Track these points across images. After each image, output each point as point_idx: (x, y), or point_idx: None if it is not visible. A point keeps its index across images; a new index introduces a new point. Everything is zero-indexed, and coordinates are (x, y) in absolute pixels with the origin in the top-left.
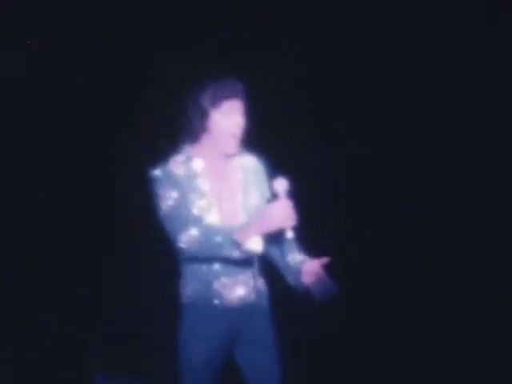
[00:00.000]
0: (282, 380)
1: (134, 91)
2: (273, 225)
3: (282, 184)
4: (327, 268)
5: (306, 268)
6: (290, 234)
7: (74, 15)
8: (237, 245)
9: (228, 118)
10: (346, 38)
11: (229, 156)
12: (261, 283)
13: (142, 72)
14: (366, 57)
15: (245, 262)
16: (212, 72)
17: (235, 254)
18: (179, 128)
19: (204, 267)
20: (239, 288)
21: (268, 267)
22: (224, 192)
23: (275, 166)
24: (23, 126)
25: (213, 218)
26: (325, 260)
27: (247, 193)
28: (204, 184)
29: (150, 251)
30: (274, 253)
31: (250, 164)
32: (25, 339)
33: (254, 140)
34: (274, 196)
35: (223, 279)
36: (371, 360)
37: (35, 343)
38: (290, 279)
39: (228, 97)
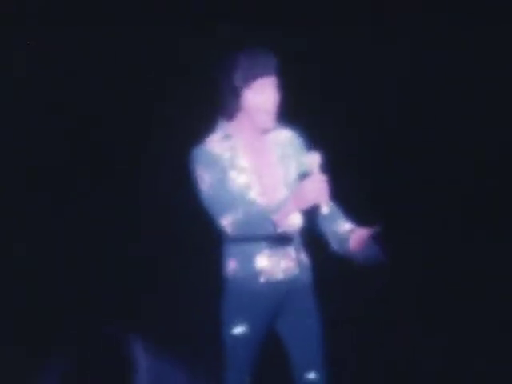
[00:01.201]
0: (323, 353)
1: (169, 72)
2: (307, 201)
3: (314, 159)
4: (376, 237)
5: (355, 235)
6: (325, 209)
7: (74, 15)
8: (276, 225)
9: (261, 95)
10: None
11: (265, 131)
12: (304, 256)
13: (177, 52)
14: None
15: (286, 237)
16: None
17: (276, 232)
18: (215, 106)
19: (246, 243)
20: (282, 262)
21: (311, 240)
22: (263, 167)
23: (311, 139)
24: (23, 126)
25: (253, 195)
26: (374, 229)
27: (286, 167)
28: (243, 161)
29: (193, 229)
30: (320, 221)
31: (287, 138)
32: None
33: (290, 114)
34: (307, 171)
35: (266, 254)
36: (411, 333)
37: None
38: (336, 246)
39: (260, 73)
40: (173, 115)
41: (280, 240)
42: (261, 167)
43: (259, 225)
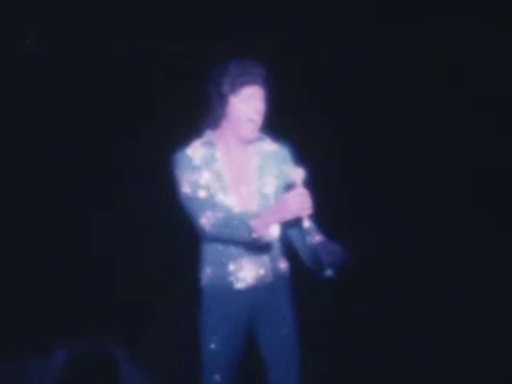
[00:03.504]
0: (299, 362)
1: (158, 76)
2: (289, 213)
3: (298, 173)
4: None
5: (322, 245)
6: (306, 223)
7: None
8: (253, 230)
9: (247, 104)
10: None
11: (248, 141)
12: (280, 265)
13: (166, 57)
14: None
15: (262, 245)
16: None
17: (251, 238)
18: (201, 113)
19: (220, 249)
20: (255, 269)
21: (289, 250)
22: (240, 177)
23: (299, 153)
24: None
25: (229, 202)
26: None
27: (264, 178)
28: (221, 168)
29: (171, 235)
30: (293, 234)
31: (271, 150)
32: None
33: (278, 126)
34: (291, 185)
35: (239, 261)
36: (386, 339)
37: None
38: (305, 258)
39: (247, 82)
40: (158, 120)
41: (255, 247)
42: (238, 176)
43: (237, 227)
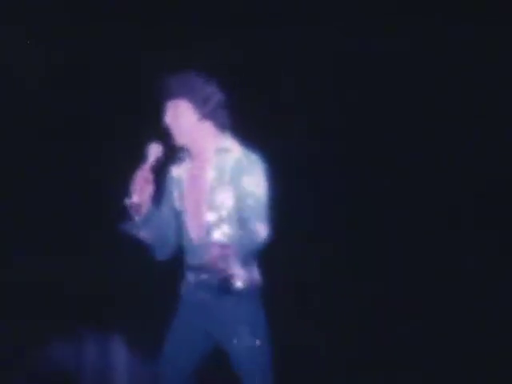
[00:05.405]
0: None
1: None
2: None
3: None
4: None
5: None
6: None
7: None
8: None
9: (169, 118)
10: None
11: (185, 149)
12: (246, 275)
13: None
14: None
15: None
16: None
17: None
18: None
19: (186, 264)
20: (211, 281)
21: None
22: (196, 192)
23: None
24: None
25: (183, 217)
26: None
27: (216, 192)
28: (183, 184)
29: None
30: None
31: (232, 161)
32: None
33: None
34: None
35: (197, 273)
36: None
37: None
38: None
39: (166, 97)
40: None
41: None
42: (194, 191)
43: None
